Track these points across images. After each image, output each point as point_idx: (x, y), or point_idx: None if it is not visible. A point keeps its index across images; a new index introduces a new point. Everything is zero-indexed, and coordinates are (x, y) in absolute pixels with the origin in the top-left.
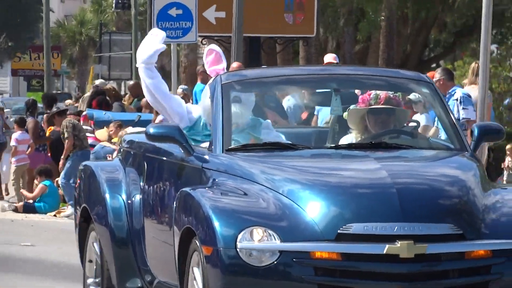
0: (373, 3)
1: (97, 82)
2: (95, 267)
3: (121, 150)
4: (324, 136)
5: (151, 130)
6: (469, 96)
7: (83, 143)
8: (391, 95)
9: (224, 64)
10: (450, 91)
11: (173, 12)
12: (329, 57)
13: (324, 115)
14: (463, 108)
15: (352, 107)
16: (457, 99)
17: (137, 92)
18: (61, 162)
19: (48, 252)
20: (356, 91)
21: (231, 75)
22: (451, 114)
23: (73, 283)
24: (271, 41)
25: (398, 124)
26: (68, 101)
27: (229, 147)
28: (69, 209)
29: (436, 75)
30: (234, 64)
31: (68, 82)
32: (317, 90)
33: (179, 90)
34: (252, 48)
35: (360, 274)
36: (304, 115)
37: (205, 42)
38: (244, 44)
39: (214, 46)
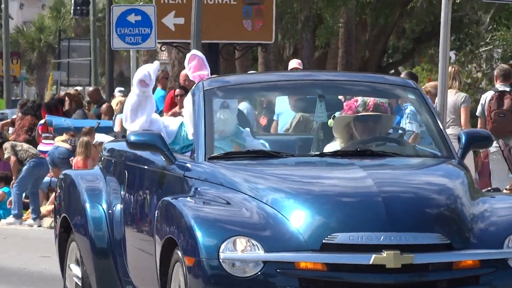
0: (331, 9)
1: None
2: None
3: (102, 158)
4: (308, 143)
5: (132, 138)
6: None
7: (30, 153)
8: (379, 102)
9: (208, 70)
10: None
11: (132, 18)
12: (294, 63)
13: (284, 121)
14: (409, 122)
15: (337, 114)
16: (406, 113)
17: (96, 98)
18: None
19: (7, 259)
20: (340, 97)
21: (213, 81)
22: (438, 121)
23: None
24: (230, 48)
25: (383, 131)
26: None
27: (212, 155)
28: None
29: None
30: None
31: (27, 88)
32: (299, 97)
33: (116, 92)
34: (211, 54)
35: (346, 285)
36: (263, 121)
37: (164, 49)
38: (203, 50)
39: (196, 52)
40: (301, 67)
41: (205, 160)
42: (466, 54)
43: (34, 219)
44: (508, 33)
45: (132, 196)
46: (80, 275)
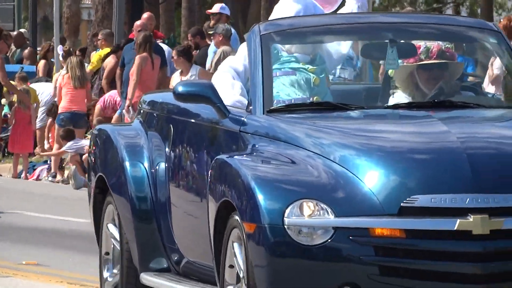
0: None
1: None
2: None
3: (141, 111)
4: (376, 93)
5: (180, 88)
6: (352, 58)
7: None
8: (443, 47)
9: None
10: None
11: None
12: (216, 7)
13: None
14: (341, 68)
15: (400, 63)
16: None
17: (20, 42)
18: None
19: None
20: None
21: (270, 24)
22: None
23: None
24: None
25: (452, 79)
26: None
27: (271, 108)
28: None
29: None
30: (145, 15)
31: None
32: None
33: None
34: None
35: (427, 253)
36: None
37: None
38: None
39: None
40: (225, 12)
41: (263, 114)
42: None
43: None
44: None
45: (178, 154)
46: (118, 239)
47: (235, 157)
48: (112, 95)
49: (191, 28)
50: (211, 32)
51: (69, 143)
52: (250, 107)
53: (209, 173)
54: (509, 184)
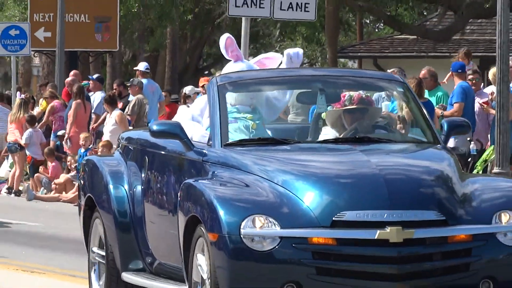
0: (160, 28)
1: None
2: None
3: (120, 145)
4: (306, 131)
5: (154, 127)
6: None
7: None
8: (363, 96)
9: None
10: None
11: (13, 32)
12: (141, 66)
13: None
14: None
15: (329, 108)
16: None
17: None
18: None
19: None
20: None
21: (225, 77)
22: (424, 110)
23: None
24: (85, 54)
25: (371, 121)
26: None
27: (227, 142)
28: None
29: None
30: (72, 72)
31: None
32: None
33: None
34: (71, 59)
35: (354, 257)
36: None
37: (36, 55)
38: (65, 56)
39: (229, 35)
40: (145, 70)
41: (221, 147)
42: None
43: None
44: (292, 43)
45: (152, 178)
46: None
47: (200, 181)
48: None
49: (115, 80)
50: (128, 84)
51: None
52: (210, 142)
53: (179, 194)
54: (418, 202)
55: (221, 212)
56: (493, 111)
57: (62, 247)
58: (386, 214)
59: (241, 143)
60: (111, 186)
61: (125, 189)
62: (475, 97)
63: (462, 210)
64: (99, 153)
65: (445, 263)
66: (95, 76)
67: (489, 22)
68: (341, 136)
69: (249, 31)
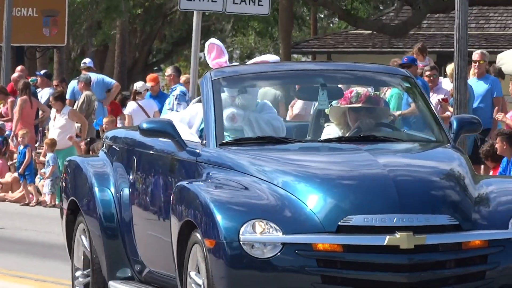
0: (108, 19)
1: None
2: (82, 258)
3: (104, 145)
4: (305, 129)
5: (144, 125)
6: (185, 94)
7: None
8: (371, 94)
9: (226, 57)
10: (173, 86)
11: None
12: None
13: None
14: (177, 103)
15: (334, 103)
16: (174, 95)
17: None
18: None
19: None
20: (340, 86)
21: (219, 71)
22: (432, 107)
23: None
24: (32, 50)
25: (377, 121)
26: None
27: (222, 142)
28: None
29: (168, 70)
30: (18, 68)
31: None
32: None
33: None
34: (18, 55)
35: (362, 265)
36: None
37: None
38: (11, 51)
39: (214, 40)
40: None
41: (216, 146)
42: None
43: None
44: (244, 39)
45: (141, 181)
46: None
47: (194, 183)
48: None
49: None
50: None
51: None
52: (204, 141)
53: (171, 197)
54: (429, 205)
55: (218, 217)
56: (451, 109)
57: (7, 248)
58: (396, 219)
59: (237, 142)
60: (96, 189)
61: (111, 192)
62: (432, 94)
63: (476, 214)
64: (42, 152)
65: (459, 271)
66: (42, 72)
67: (447, 17)
68: (344, 134)
69: (200, 26)
